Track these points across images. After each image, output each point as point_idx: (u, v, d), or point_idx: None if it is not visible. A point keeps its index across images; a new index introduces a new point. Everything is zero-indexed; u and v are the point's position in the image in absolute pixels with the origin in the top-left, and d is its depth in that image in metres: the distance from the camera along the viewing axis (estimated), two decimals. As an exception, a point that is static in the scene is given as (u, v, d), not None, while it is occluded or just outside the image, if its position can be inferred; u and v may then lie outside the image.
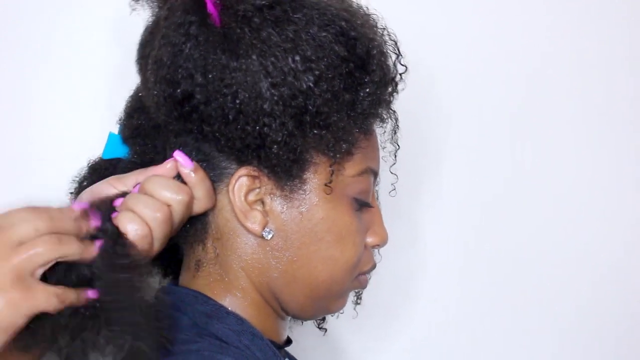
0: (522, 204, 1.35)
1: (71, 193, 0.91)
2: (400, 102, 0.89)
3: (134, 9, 0.87)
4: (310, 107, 0.77)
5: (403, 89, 0.87)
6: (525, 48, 1.34)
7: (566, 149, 1.37)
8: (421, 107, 1.10)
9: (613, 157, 1.39)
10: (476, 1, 1.32)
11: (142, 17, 0.87)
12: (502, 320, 1.36)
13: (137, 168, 0.83)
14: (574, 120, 1.37)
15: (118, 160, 0.89)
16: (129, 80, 0.92)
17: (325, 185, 0.81)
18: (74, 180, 0.91)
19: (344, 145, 0.81)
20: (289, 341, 0.91)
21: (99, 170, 0.89)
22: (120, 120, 0.91)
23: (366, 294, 0.96)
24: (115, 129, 0.91)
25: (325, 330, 1.03)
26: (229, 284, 0.82)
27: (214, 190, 0.81)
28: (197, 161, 0.80)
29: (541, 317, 1.37)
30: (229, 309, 0.82)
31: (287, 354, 0.90)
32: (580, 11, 1.36)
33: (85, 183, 0.90)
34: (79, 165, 0.91)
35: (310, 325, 1.02)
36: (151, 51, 0.81)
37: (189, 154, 0.80)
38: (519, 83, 1.34)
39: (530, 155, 1.35)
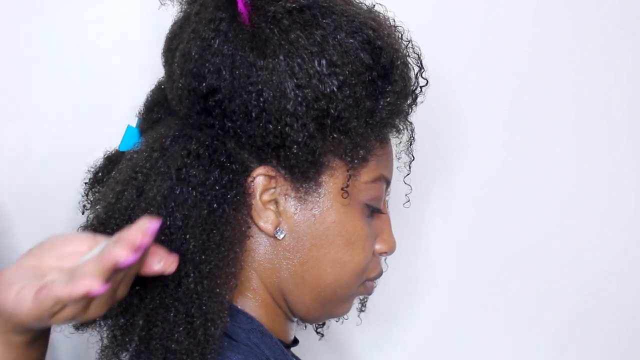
0: (532, 214, 1.36)
1: (86, 183, 0.91)
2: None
3: (162, 4, 0.88)
4: (332, 111, 0.78)
5: (422, 102, 0.89)
6: (533, 58, 1.36)
7: (586, 157, 1.38)
8: (431, 115, 1.11)
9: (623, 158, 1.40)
10: (485, 6, 1.34)
11: (168, 13, 0.88)
12: (511, 331, 1.36)
13: None
14: (594, 128, 1.38)
15: (134, 152, 0.90)
16: (151, 74, 0.94)
17: (342, 189, 0.82)
18: (89, 171, 0.92)
19: (360, 152, 0.82)
20: (295, 342, 0.91)
21: (115, 162, 0.90)
22: (139, 113, 0.92)
23: (371, 300, 0.97)
24: (135, 123, 0.92)
25: (322, 335, 1.04)
26: (241, 285, 0.82)
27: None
28: (217, 156, 0.80)
29: (550, 326, 1.37)
30: (239, 307, 0.83)
31: (293, 355, 0.91)
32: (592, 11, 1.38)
33: (100, 174, 0.91)
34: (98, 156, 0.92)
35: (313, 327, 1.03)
36: (179, 44, 0.82)
37: (209, 146, 0.80)
38: (532, 95, 1.35)
39: (543, 167, 1.36)
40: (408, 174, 0.96)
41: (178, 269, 0.75)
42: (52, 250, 0.63)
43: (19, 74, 1.16)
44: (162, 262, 0.62)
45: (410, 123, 0.90)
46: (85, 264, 0.58)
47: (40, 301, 0.59)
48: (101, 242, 0.63)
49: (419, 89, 0.88)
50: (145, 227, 0.58)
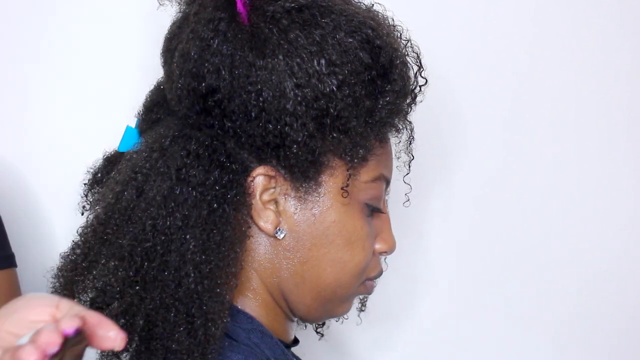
0: (532, 213, 1.36)
1: (85, 184, 0.91)
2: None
3: (161, 4, 0.88)
4: (331, 110, 0.78)
5: (421, 101, 0.89)
6: (533, 58, 1.36)
7: (586, 157, 1.38)
8: (431, 115, 1.11)
9: (623, 159, 1.40)
10: (484, 6, 1.34)
11: (167, 14, 0.88)
12: (511, 331, 1.37)
13: None
14: (594, 128, 1.38)
15: (134, 153, 0.90)
16: (150, 74, 0.94)
17: (342, 189, 0.82)
18: (88, 172, 0.92)
19: (360, 151, 0.82)
20: (295, 342, 0.91)
21: (114, 163, 0.90)
22: (138, 113, 0.92)
23: (371, 299, 0.97)
24: (134, 123, 0.92)
25: (322, 334, 1.04)
26: (241, 285, 0.82)
27: None
28: (217, 156, 0.80)
29: (550, 326, 1.38)
30: (239, 307, 0.83)
31: (293, 355, 0.91)
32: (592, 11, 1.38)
33: (99, 174, 0.91)
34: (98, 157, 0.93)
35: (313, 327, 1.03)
36: (178, 44, 0.82)
37: (209, 146, 0.80)
38: (531, 95, 1.35)
39: (543, 167, 1.36)
40: (408, 173, 0.96)
41: (179, 269, 0.75)
42: (15, 314, 0.61)
43: (18, 74, 1.16)
44: (110, 341, 0.60)
45: (410, 122, 0.90)
46: (5, 353, 0.57)
47: None
48: (64, 309, 0.61)
49: (418, 88, 0.88)
50: (60, 331, 0.57)
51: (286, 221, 0.82)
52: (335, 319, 0.96)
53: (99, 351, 0.81)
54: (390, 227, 0.90)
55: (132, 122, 0.91)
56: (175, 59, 0.82)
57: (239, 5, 0.79)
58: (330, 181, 0.82)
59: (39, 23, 1.17)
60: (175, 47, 0.83)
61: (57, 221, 1.18)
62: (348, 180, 0.82)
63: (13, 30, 1.17)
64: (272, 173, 0.81)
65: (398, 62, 0.83)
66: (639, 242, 1.39)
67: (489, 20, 1.33)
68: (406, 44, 0.87)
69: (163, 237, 0.76)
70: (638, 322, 1.40)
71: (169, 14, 0.88)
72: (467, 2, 1.32)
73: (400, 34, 0.87)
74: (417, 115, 0.90)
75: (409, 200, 1.01)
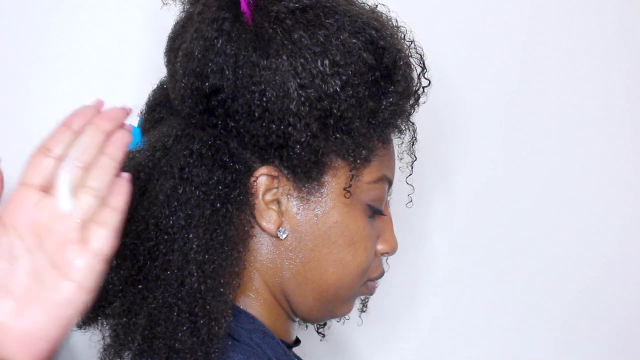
0: (533, 213, 1.36)
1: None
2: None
3: (165, 4, 0.88)
4: (334, 111, 0.78)
5: (424, 102, 0.89)
6: (535, 59, 1.36)
7: (588, 157, 1.39)
8: (434, 116, 1.11)
9: (623, 158, 1.40)
10: (487, 6, 1.34)
11: (170, 13, 0.88)
12: (513, 331, 1.37)
13: None
14: (595, 129, 1.39)
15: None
16: (154, 73, 0.94)
17: (344, 189, 0.82)
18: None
19: (363, 152, 0.82)
20: (297, 342, 0.91)
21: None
22: (141, 112, 0.92)
23: (373, 300, 0.97)
24: (136, 122, 0.92)
25: (324, 335, 1.04)
26: (243, 285, 0.82)
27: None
28: (220, 156, 0.80)
29: (551, 326, 1.38)
30: (241, 307, 0.82)
31: (295, 355, 0.91)
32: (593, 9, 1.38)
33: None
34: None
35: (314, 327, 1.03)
36: (182, 44, 0.82)
37: (212, 146, 0.80)
38: (534, 95, 1.36)
39: (545, 167, 1.37)
40: (410, 174, 0.96)
41: (181, 268, 0.75)
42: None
43: (20, 74, 1.16)
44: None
45: (413, 123, 0.90)
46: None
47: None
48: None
49: (421, 89, 0.88)
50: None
51: (288, 221, 0.82)
52: (337, 319, 0.96)
53: (100, 349, 0.81)
54: (392, 228, 0.90)
55: (134, 122, 0.91)
56: (179, 58, 0.82)
57: (243, 5, 0.79)
58: (333, 182, 0.82)
59: (39, 23, 1.17)
60: (178, 46, 0.83)
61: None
62: (351, 180, 0.82)
63: (13, 30, 1.16)
64: (275, 173, 0.81)
65: (402, 63, 0.83)
66: (638, 242, 1.40)
67: (491, 22, 1.34)
68: (410, 45, 0.87)
69: (166, 236, 0.76)
70: (638, 322, 1.40)
71: (172, 13, 0.88)
72: (469, 3, 1.33)
73: (404, 35, 0.87)
74: (420, 116, 0.90)
75: (411, 201, 1.01)
